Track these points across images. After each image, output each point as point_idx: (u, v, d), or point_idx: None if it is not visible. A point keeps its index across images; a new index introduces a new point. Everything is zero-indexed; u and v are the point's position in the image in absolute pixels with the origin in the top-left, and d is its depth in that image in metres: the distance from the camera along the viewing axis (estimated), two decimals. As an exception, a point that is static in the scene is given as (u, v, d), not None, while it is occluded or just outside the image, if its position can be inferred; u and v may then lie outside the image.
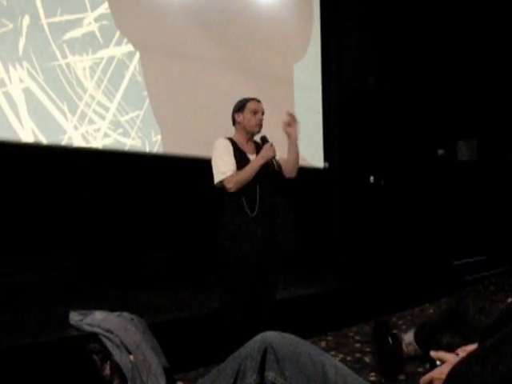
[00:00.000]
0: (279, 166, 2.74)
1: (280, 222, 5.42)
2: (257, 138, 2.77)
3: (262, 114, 2.72)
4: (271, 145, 2.65)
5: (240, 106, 2.71)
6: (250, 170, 2.60)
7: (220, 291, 2.66)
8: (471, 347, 1.28)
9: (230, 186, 2.58)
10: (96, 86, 4.13)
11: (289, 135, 2.73)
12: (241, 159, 2.64)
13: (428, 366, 1.26)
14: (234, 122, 2.75)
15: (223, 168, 2.59)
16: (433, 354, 1.26)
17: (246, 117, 2.69)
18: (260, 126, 2.71)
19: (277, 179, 2.82)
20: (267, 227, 2.67)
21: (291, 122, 2.73)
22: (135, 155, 4.38)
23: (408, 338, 2.68)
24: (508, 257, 7.00)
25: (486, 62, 7.75)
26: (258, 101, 2.74)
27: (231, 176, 2.58)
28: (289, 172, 2.78)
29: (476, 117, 7.89)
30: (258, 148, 2.76)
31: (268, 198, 2.70)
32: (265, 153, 2.63)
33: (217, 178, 2.62)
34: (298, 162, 2.77)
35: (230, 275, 2.60)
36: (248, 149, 2.72)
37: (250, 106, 2.69)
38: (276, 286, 2.79)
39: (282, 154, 2.75)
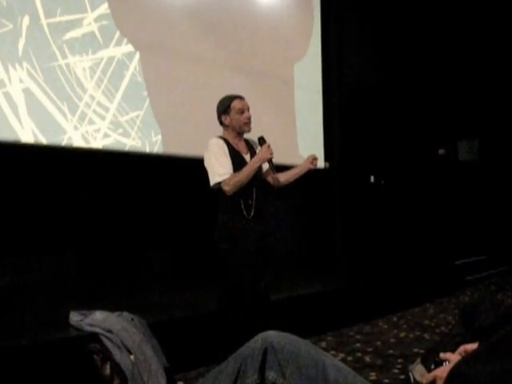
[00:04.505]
0: (274, 168, 2.72)
1: (279, 223, 5.43)
2: (255, 137, 2.76)
3: (249, 109, 2.67)
4: (268, 146, 2.62)
5: (225, 108, 2.64)
6: (247, 172, 2.57)
7: (218, 292, 2.66)
8: (472, 346, 1.28)
9: (228, 189, 2.55)
10: (96, 86, 4.12)
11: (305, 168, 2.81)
12: (237, 160, 2.62)
13: (433, 366, 1.26)
14: (221, 123, 2.69)
15: (220, 170, 2.56)
16: (441, 355, 1.26)
17: (233, 118, 2.63)
18: (250, 124, 2.66)
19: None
20: (263, 229, 2.66)
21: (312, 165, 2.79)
22: (135, 155, 4.37)
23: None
24: (508, 256, 7.00)
25: (486, 61, 7.74)
26: (242, 98, 2.67)
27: (229, 178, 2.55)
28: (278, 181, 2.81)
29: (477, 116, 7.89)
30: (249, 146, 2.74)
31: (264, 199, 2.69)
32: (262, 154, 2.59)
33: (213, 180, 2.58)
34: (293, 180, 2.86)
35: (228, 276, 2.60)
36: (241, 148, 2.70)
37: (235, 106, 2.63)
38: (269, 288, 2.77)
39: (280, 156, 2.74)
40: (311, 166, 2.80)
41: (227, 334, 2.50)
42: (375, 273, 5.40)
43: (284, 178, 2.85)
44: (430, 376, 1.23)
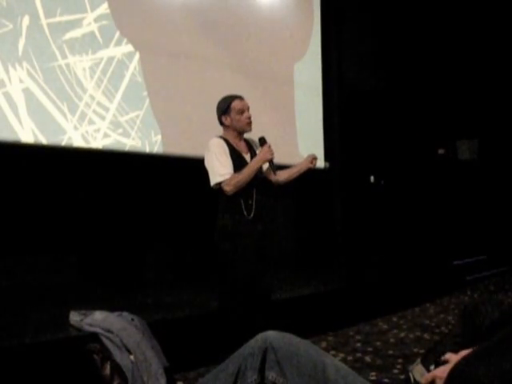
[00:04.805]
0: (274, 169, 2.73)
1: (278, 223, 5.43)
2: (255, 137, 2.76)
3: (249, 109, 2.66)
4: (269, 147, 2.62)
5: (225, 108, 2.64)
6: (248, 173, 2.57)
7: (219, 292, 2.66)
8: (465, 352, 1.27)
9: (229, 189, 2.55)
10: (96, 86, 4.12)
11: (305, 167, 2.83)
12: (237, 159, 2.61)
13: (432, 366, 1.26)
14: (222, 123, 2.69)
15: (221, 170, 2.56)
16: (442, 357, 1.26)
17: (233, 118, 2.62)
18: (250, 123, 2.66)
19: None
20: (264, 229, 2.66)
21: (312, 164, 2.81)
22: (135, 155, 4.37)
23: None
24: (508, 256, 7.00)
25: (486, 61, 7.74)
26: (242, 98, 2.67)
27: (230, 178, 2.55)
28: (278, 180, 2.82)
29: (476, 116, 7.89)
30: (249, 146, 2.74)
31: (264, 199, 2.69)
32: (263, 155, 2.60)
33: (214, 180, 2.57)
34: (293, 178, 2.87)
35: (228, 276, 2.60)
36: (241, 148, 2.69)
37: (235, 106, 2.62)
38: (271, 288, 2.77)
39: (279, 156, 2.74)
40: (310, 166, 2.81)
41: (227, 333, 2.50)
42: (375, 273, 5.40)
43: (283, 176, 2.86)
44: (429, 376, 1.23)
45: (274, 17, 5.68)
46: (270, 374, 1.33)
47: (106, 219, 4.24)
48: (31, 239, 3.79)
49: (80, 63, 4.04)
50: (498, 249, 7.14)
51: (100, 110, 4.14)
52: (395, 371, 2.96)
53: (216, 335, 2.56)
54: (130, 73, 4.36)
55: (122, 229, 4.29)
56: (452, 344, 2.01)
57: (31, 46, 3.78)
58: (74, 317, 2.55)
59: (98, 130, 4.12)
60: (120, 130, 4.26)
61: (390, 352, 3.36)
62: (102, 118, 4.15)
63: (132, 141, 4.34)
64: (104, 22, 4.22)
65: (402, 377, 2.79)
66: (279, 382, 1.33)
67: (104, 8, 4.22)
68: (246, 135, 2.75)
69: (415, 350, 3.39)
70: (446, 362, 1.24)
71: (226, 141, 2.65)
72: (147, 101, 4.45)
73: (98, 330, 2.34)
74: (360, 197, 6.60)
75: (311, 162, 2.81)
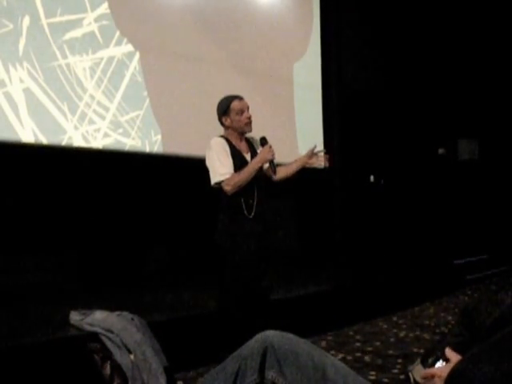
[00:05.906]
0: (274, 169, 2.74)
1: (279, 223, 5.43)
2: (257, 136, 2.76)
3: (248, 109, 2.67)
4: (270, 147, 2.62)
5: (224, 109, 2.65)
6: (248, 173, 2.58)
7: (219, 292, 2.66)
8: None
9: (229, 189, 2.55)
10: (96, 86, 4.13)
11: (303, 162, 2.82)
12: (238, 159, 2.62)
13: (430, 360, 1.26)
14: (222, 124, 2.70)
15: (221, 170, 2.56)
16: (446, 351, 1.25)
17: (233, 119, 2.63)
18: (250, 123, 2.67)
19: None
20: (264, 228, 2.67)
21: (312, 159, 2.81)
22: (135, 155, 4.38)
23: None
24: (509, 256, 7.00)
25: (486, 60, 7.74)
26: (241, 98, 2.67)
27: (230, 178, 2.55)
28: (279, 178, 2.83)
29: (477, 116, 7.89)
30: (250, 146, 2.75)
31: (265, 198, 2.70)
32: (264, 155, 2.60)
33: (214, 180, 2.58)
34: (291, 175, 2.88)
35: (228, 275, 2.60)
36: (242, 148, 2.70)
37: (235, 107, 2.63)
38: (271, 287, 2.77)
39: (279, 156, 2.74)
40: (309, 161, 2.81)
41: (227, 333, 2.50)
42: (375, 272, 5.40)
43: (282, 174, 2.86)
44: (428, 372, 1.23)
45: (273, 16, 5.68)
46: (270, 374, 1.34)
47: (106, 219, 4.24)
48: (31, 239, 3.79)
49: (80, 63, 4.05)
50: (499, 248, 7.14)
51: (100, 109, 4.14)
52: (395, 371, 2.96)
53: (216, 335, 2.56)
54: (130, 73, 4.36)
55: (122, 228, 4.29)
56: (452, 344, 2.00)
57: (31, 45, 3.79)
58: (75, 316, 2.55)
59: (98, 130, 4.12)
60: (120, 130, 4.26)
61: (390, 352, 3.36)
62: (102, 117, 4.16)
63: (132, 140, 4.34)
64: (104, 22, 4.22)
65: (402, 377, 2.80)
66: (279, 382, 1.33)
67: (104, 8, 4.23)
68: (246, 134, 2.76)
69: (415, 349, 3.39)
70: (445, 358, 1.24)
71: (227, 140, 2.65)
72: (147, 101, 4.46)
73: (98, 329, 2.34)
74: (360, 196, 6.59)
75: (310, 158, 2.80)
